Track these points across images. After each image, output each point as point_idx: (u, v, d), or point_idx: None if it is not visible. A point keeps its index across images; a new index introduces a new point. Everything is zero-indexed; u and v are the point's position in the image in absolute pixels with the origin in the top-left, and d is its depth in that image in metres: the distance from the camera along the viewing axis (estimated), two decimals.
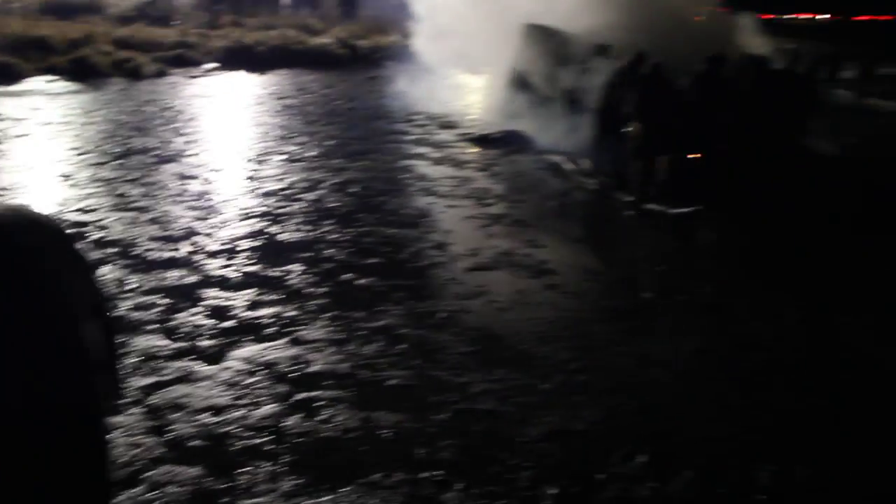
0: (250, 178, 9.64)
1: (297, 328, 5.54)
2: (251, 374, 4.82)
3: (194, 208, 8.19)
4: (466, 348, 5.37)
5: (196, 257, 6.82)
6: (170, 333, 5.34)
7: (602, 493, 3.85)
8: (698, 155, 9.85)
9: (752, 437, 4.48)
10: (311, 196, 9.01)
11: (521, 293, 6.48)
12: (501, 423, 4.45)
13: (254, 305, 5.88)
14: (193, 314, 5.66)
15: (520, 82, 13.38)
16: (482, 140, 13.09)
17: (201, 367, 4.87)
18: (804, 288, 7.06)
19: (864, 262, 7.96)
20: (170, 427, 4.20)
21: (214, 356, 5.03)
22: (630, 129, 9.45)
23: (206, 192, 8.80)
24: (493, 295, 6.40)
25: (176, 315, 5.64)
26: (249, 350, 5.15)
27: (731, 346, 5.77)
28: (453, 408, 4.58)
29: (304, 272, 6.66)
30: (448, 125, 14.27)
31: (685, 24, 13.83)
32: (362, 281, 6.56)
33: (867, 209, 9.93)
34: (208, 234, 7.43)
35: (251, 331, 5.44)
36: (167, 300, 5.89)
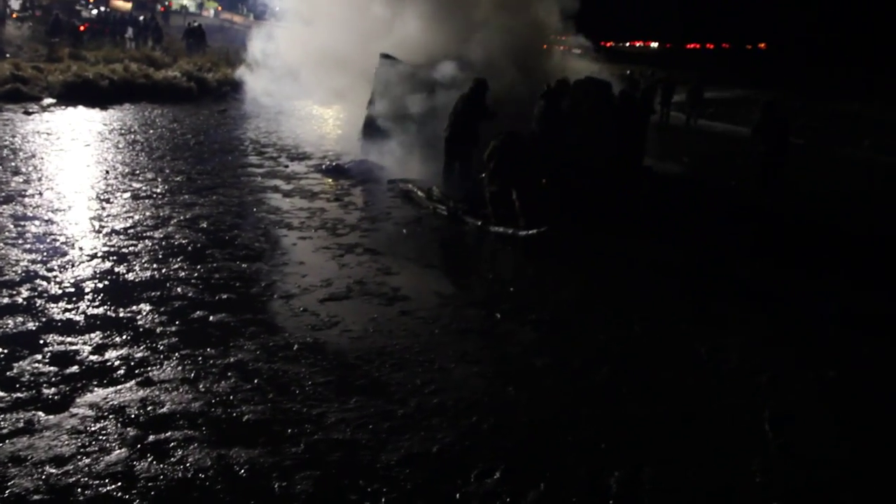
0: (94, 217, 9.31)
1: (146, 369, 5.42)
2: (99, 419, 4.68)
3: (34, 251, 7.83)
4: (321, 379, 5.41)
5: (37, 302, 6.53)
6: (9, 384, 5.09)
7: None
8: (544, 180, 10.30)
9: (601, 446, 4.74)
10: (158, 234, 8.80)
11: (376, 321, 6.58)
12: (358, 451, 4.51)
13: (100, 349, 5.70)
14: (35, 362, 5.41)
15: (372, 112, 13.55)
16: (334, 170, 13.17)
17: (44, 417, 4.68)
18: (649, 301, 7.49)
19: (706, 274, 8.55)
20: (8, 483, 4.02)
21: (59, 404, 4.84)
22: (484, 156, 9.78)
23: (47, 234, 8.44)
24: (348, 324, 6.47)
25: (15, 364, 5.38)
26: (96, 395, 4.99)
27: (581, 361, 6.05)
28: (309, 439, 4.61)
29: (153, 311, 6.51)
30: (300, 157, 14.26)
31: (527, 53, 14.46)
32: (214, 317, 6.48)
33: (708, 224, 10.65)
34: (50, 278, 7.12)
35: (98, 375, 5.28)
36: (4, 349, 5.62)
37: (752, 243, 9.86)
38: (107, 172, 12.03)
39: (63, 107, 19.32)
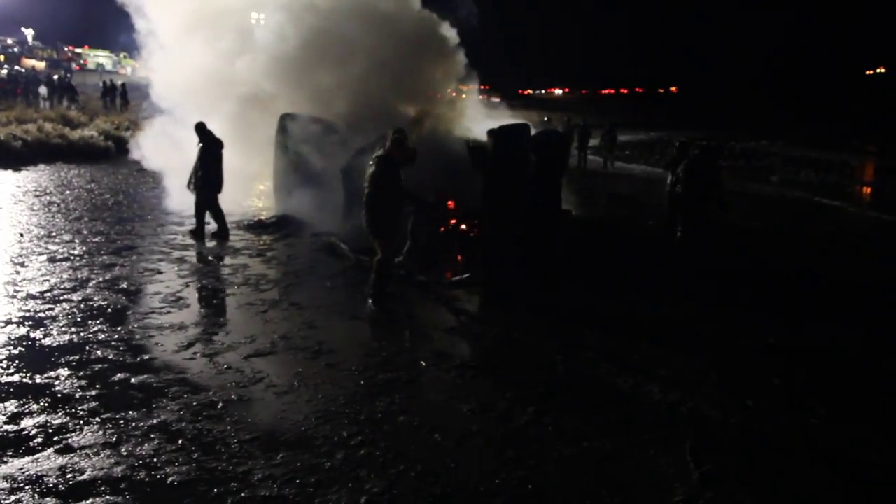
0: (8, 282, 9.08)
1: (65, 436, 5.29)
2: (14, 491, 4.55)
3: None
4: (247, 436, 5.37)
5: None
6: None
7: None
8: (463, 227, 10.48)
9: (526, 490, 4.80)
10: (77, 296, 8.63)
11: (300, 375, 6.56)
12: None
13: (15, 417, 5.54)
14: None
15: (287, 168, 13.63)
16: (256, 226, 13.13)
17: None
18: (571, 343, 7.63)
19: (626, 315, 8.75)
20: None
21: None
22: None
23: None
24: (273, 379, 6.44)
25: None
26: (11, 466, 4.84)
27: (506, 403, 6.13)
28: (235, 498, 4.56)
29: (71, 376, 6.37)
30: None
31: (436, 103, 14.92)
32: (136, 379, 6.37)
33: (628, 266, 10.90)
34: None
35: (13, 444, 5.12)
36: None
37: (673, 283, 10.13)
38: (21, 235, 11.76)
39: None
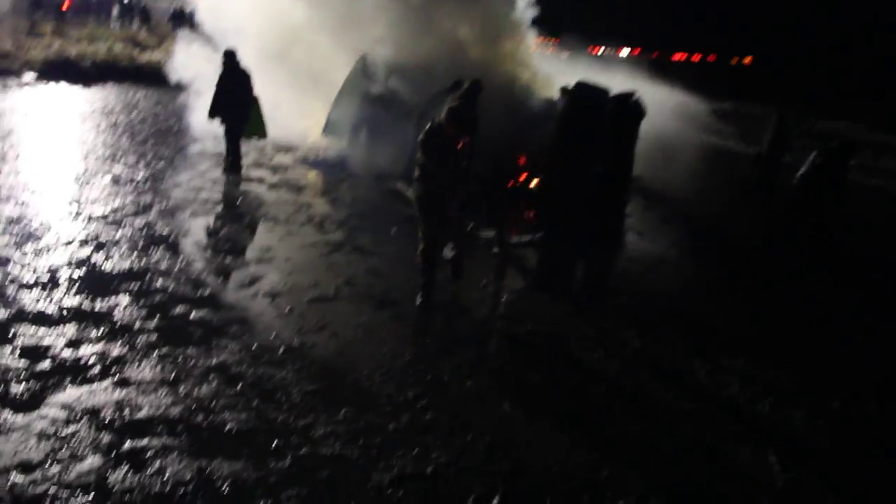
0: (73, 201, 8.95)
1: (123, 368, 5.12)
2: (71, 422, 4.38)
3: (7, 234, 7.48)
4: (308, 387, 5.13)
5: (8, 290, 6.19)
6: None
7: None
8: (533, 183, 10.06)
9: (603, 473, 4.50)
10: (139, 221, 8.47)
11: (364, 326, 6.30)
12: (348, 469, 4.24)
13: (75, 343, 5.38)
14: (3, 355, 5.09)
15: (359, 107, 13.25)
16: (321, 164, 12.85)
17: (12, 417, 4.37)
18: (643, 320, 7.26)
19: (701, 293, 8.34)
20: None
21: (28, 403, 4.53)
22: None
23: (21, 217, 8.08)
24: (336, 328, 6.19)
25: None
26: (69, 395, 4.68)
27: (577, 379, 5.80)
28: (296, 453, 4.33)
29: (131, 305, 6.20)
30: (286, 148, 13.92)
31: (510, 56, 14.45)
32: (196, 314, 6.18)
33: (702, 240, 10.45)
34: (23, 264, 6.79)
35: (71, 372, 4.96)
36: None
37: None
38: (87, 155, 11.65)
39: (44, 83, 18.82)
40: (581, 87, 9.91)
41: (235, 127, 11.45)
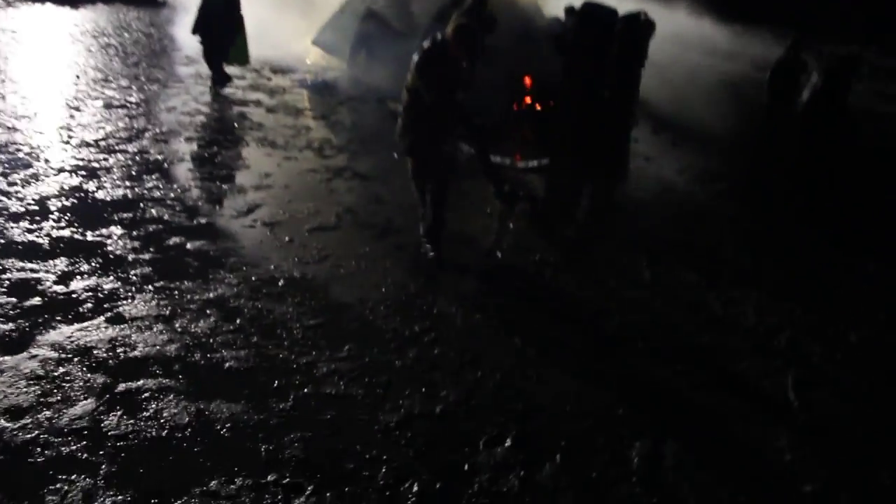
0: (63, 126, 8.64)
1: (116, 304, 4.90)
2: (62, 362, 4.17)
3: None
4: (310, 322, 4.93)
5: None
6: None
7: (468, 488, 3.55)
8: (550, 103, 9.68)
9: (618, 412, 4.31)
10: (132, 147, 8.17)
11: (367, 256, 6.08)
12: (353, 409, 4.05)
13: (65, 278, 5.16)
14: None
15: (360, 25, 12.75)
16: (320, 86, 12.46)
17: (0, 358, 4.17)
18: (652, 250, 7.02)
19: (713, 223, 8.08)
20: None
21: (16, 343, 4.31)
22: None
23: (9, 143, 7.78)
24: (338, 258, 5.96)
25: None
26: (60, 333, 4.47)
27: (591, 312, 5.59)
28: (298, 393, 4.14)
29: (124, 236, 5.96)
30: (283, 70, 13.50)
31: None
32: (192, 245, 5.95)
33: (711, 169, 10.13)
34: (11, 193, 6.52)
35: (62, 309, 4.75)
36: None
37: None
38: (77, 77, 11.26)
39: (29, 4, 18.22)
40: (590, 5, 9.46)
41: (217, 45, 11.02)
